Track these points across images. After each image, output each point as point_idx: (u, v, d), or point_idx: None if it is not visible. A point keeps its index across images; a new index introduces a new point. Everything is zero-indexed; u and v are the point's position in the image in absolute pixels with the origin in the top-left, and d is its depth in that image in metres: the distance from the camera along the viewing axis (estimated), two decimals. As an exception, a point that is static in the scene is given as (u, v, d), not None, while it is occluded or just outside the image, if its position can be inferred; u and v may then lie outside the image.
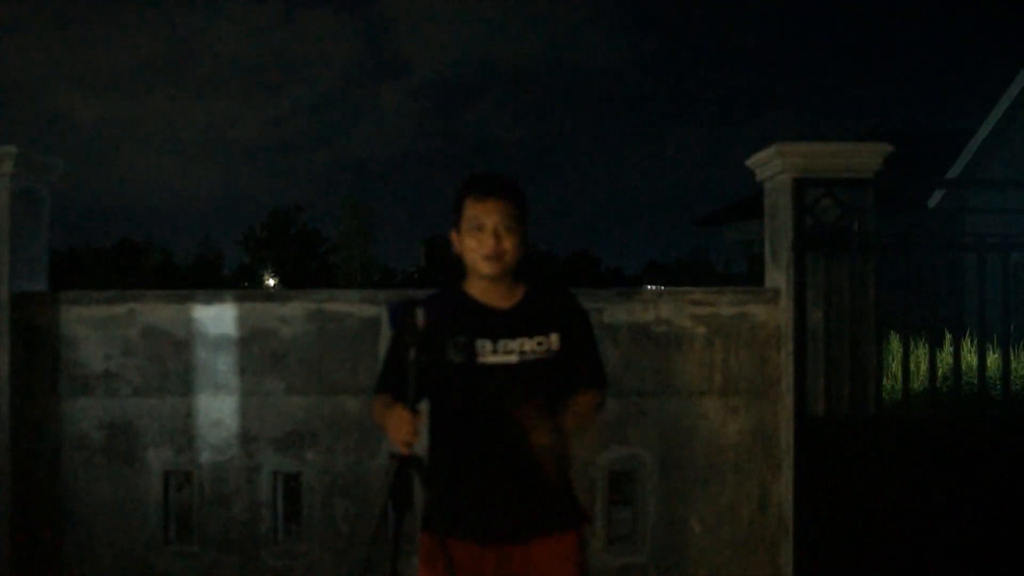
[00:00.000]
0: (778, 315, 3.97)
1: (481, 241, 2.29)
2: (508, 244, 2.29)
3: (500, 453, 2.27)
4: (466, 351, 2.28)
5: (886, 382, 5.07)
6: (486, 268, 2.30)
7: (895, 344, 7.53)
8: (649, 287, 13.72)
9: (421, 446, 2.25)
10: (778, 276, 3.99)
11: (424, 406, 2.29)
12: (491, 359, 2.28)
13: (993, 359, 7.20)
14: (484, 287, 2.36)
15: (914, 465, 3.70)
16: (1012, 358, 5.90)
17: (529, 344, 2.31)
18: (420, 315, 2.19)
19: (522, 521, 2.28)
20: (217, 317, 3.97)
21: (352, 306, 3.99)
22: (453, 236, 2.39)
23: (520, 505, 2.28)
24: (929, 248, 3.85)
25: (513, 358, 2.29)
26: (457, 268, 2.43)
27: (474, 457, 2.30)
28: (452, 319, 2.32)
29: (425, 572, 2.34)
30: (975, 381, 4.07)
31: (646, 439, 3.96)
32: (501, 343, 2.29)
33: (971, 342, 7.91)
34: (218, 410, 3.95)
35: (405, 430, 2.13)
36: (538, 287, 2.42)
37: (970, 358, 7.02)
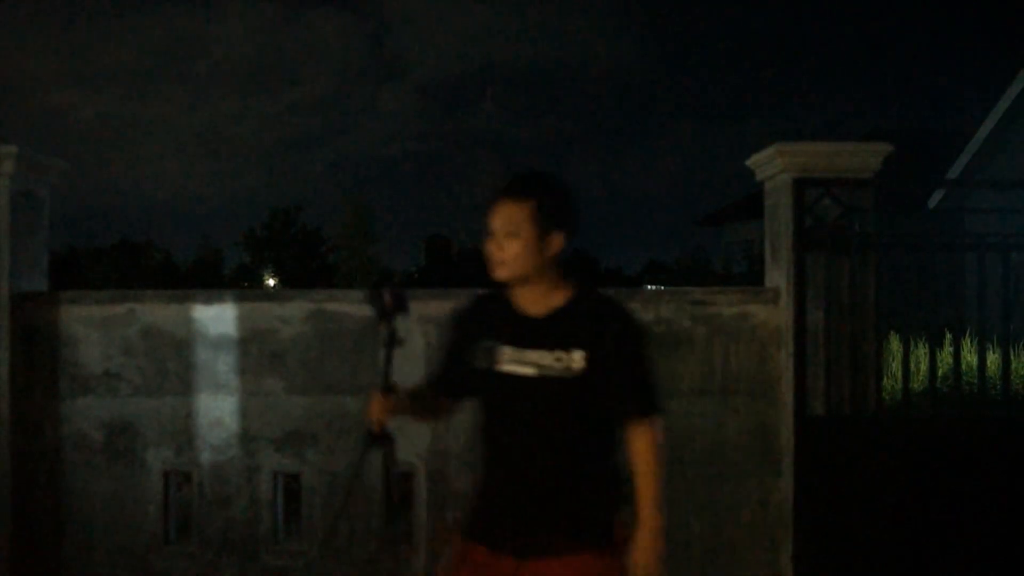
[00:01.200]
0: (778, 315, 3.97)
1: (489, 247, 2.24)
2: (510, 250, 2.18)
3: (515, 464, 2.21)
4: (489, 356, 2.23)
5: (886, 382, 5.06)
6: (494, 273, 2.23)
7: (895, 344, 7.53)
8: (649, 287, 13.72)
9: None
10: (778, 276, 4.00)
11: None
12: (509, 367, 2.20)
13: (993, 359, 7.20)
14: (519, 291, 2.24)
15: (914, 465, 3.70)
16: (1012, 358, 5.89)
17: (547, 358, 2.17)
18: (386, 295, 2.31)
19: (534, 536, 2.16)
20: (217, 317, 3.97)
21: (352, 306, 3.98)
22: None
23: (533, 520, 2.17)
24: (929, 248, 3.85)
25: (530, 370, 2.17)
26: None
27: (493, 464, 2.26)
28: (487, 321, 2.28)
29: (449, 572, 2.31)
30: (975, 381, 4.07)
31: (646, 439, 3.96)
32: (522, 352, 2.19)
33: (971, 342, 7.91)
34: (218, 410, 3.95)
35: (375, 409, 2.26)
36: (585, 295, 2.24)
37: (970, 358, 7.02)
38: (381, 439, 2.32)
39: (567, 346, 2.16)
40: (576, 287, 2.24)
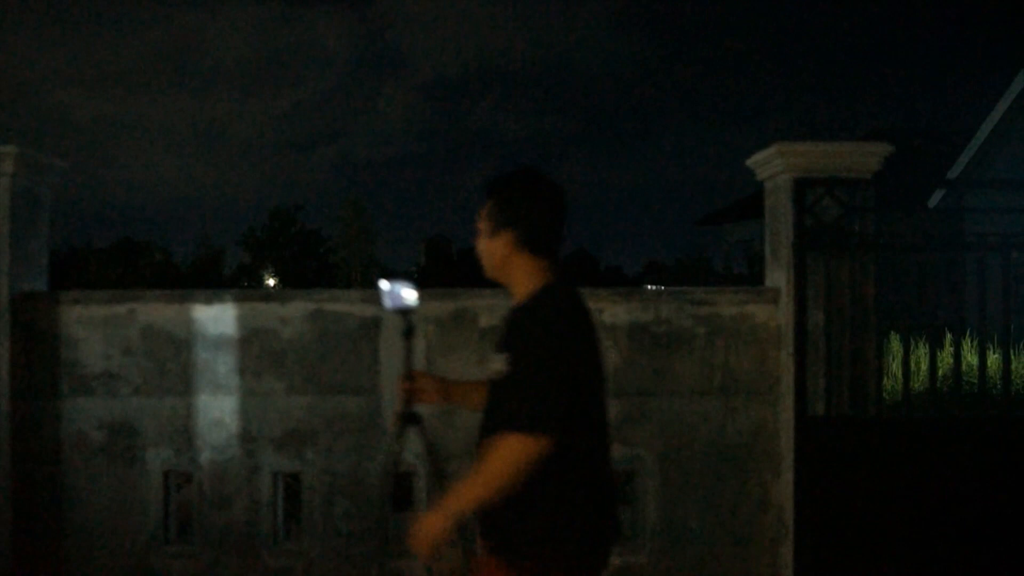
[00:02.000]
0: (778, 315, 3.97)
1: None
2: (480, 247, 2.24)
3: (479, 459, 2.23)
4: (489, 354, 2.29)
5: (886, 382, 5.07)
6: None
7: (895, 344, 7.54)
8: (649, 287, 13.72)
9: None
10: (778, 276, 4.00)
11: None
12: (491, 367, 2.21)
13: (993, 359, 7.21)
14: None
15: (914, 465, 3.70)
16: (1012, 358, 5.90)
17: (495, 361, 2.15)
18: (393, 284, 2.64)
19: (479, 535, 2.18)
20: (217, 317, 3.97)
21: (352, 306, 3.99)
22: None
23: (478, 519, 2.16)
24: (929, 248, 3.85)
25: (491, 370, 2.18)
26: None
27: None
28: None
29: None
30: (975, 381, 4.07)
31: (647, 439, 3.96)
32: (496, 353, 2.20)
33: (971, 342, 7.92)
34: (218, 410, 3.95)
35: (397, 392, 2.54)
36: (539, 296, 2.13)
37: (970, 358, 7.02)
38: (409, 418, 2.65)
39: (498, 349, 2.15)
40: (542, 287, 2.14)
